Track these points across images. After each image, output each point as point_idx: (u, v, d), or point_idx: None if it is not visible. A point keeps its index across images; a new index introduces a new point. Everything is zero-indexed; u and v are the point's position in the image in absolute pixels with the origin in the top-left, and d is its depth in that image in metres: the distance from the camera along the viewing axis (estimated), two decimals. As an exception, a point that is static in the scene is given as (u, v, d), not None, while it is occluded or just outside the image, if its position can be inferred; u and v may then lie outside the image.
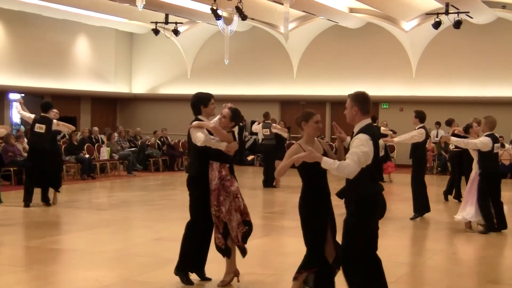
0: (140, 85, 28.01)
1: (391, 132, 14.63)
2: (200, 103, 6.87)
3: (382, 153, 6.65)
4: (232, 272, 6.84)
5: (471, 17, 21.05)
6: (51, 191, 12.75)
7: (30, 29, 23.32)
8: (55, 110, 12.85)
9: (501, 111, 20.84)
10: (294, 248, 9.18)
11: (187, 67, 27.04)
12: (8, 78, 22.34)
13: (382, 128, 14.29)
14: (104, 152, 19.66)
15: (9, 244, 9.09)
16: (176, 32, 23.09)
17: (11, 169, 16.17)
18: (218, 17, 19.16)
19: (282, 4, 18.82)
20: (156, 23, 22.81)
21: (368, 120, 5.37)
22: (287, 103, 25.82)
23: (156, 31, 22.84)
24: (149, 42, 27.02)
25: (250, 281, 7.12)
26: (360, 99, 5.38)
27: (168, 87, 27.41)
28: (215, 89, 26.66)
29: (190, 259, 6.87)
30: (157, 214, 12.27)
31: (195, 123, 6.77)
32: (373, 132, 5.30)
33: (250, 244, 9.38)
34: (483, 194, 10.02)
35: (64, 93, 24.49)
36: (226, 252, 6.77)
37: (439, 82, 23.57)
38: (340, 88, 24.54)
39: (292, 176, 19.29)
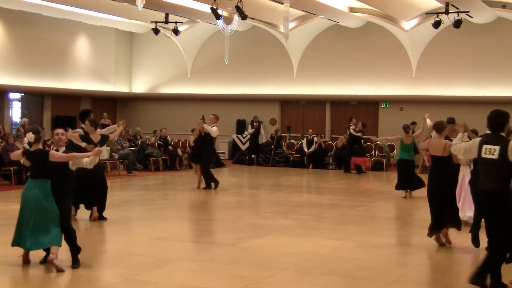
0: (140, 85, 28.01)
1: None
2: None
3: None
4: None
5: (471, 17, 21.03)
6: None
7: (30, 29, 23.31)
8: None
9: (501, 110, 20.79)
10: (294, 248, 9.18)
11: (187, 67, 27.03)
12: (8, 78, 22.32)
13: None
14: (104, 152, 19.62)
15: (9, 244, 9.08)
16: (176, 31, 23.07)
17: (11, 168, 16.19)
18: (218, 16, 19.13)
19: (282, 3, 18.80)
20: (156, 22, 22.79)
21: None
22: (287, 103, 25.78)
23: (156, 31, 22.82)
24: (149, 42, 27.00)
25: (250, 281, 7.12)
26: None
27: (168, 87, 27.40)
28: (215, 89, 26.67)
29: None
30: (157, 214, 12.27)
31: None
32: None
33: (250, 244, 9.40)
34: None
35: (64, 93, 24.49)
36: None
37: (439, 82, 23.54)
38: (340, 87, 24.53)
39: (292, 176, 19.04)
